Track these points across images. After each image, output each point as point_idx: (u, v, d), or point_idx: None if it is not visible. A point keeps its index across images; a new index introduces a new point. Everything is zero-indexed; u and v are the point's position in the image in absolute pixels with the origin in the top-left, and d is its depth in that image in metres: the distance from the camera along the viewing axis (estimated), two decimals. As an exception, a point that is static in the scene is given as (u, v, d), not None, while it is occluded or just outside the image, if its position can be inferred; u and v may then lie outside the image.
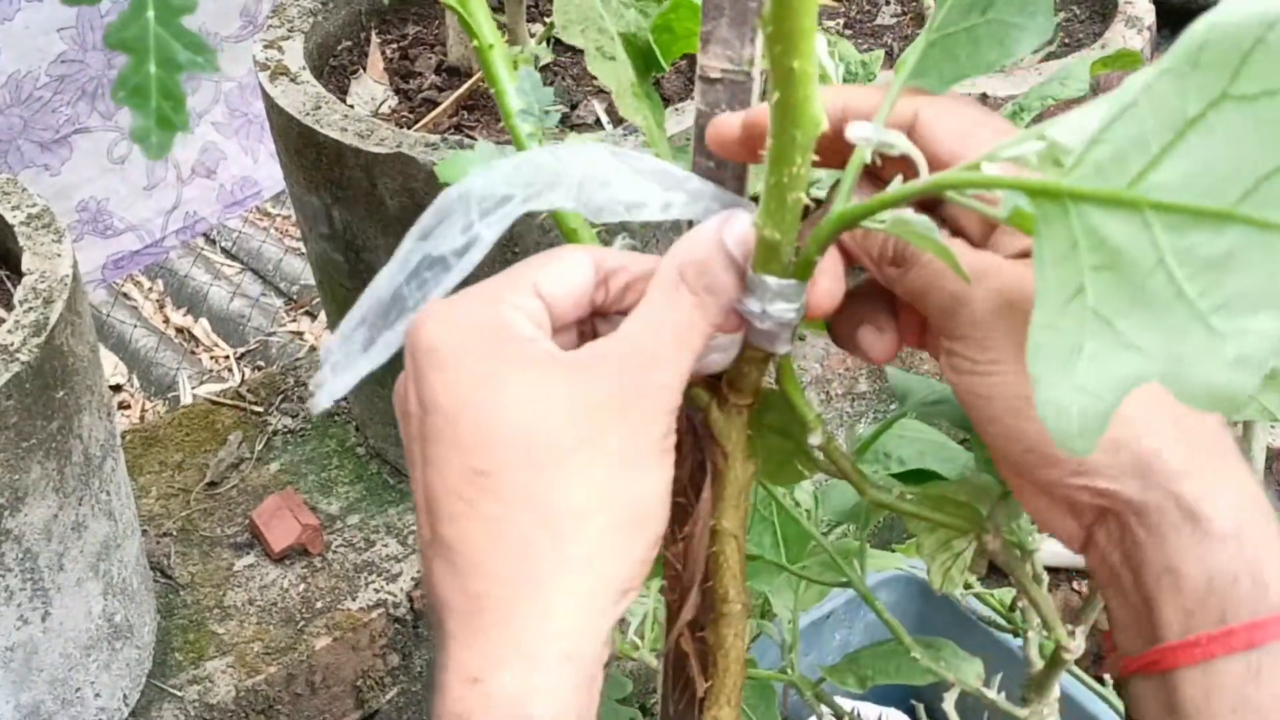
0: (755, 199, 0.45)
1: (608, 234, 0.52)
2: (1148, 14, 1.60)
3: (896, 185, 0.39)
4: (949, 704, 0.76)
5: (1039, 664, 0.67)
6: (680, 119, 1.22)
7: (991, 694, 0.71)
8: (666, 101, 1.31)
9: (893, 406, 1.76)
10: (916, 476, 0.62)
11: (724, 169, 0.45)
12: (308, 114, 1.21)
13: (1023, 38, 0.43)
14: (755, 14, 0.42)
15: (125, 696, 1.22)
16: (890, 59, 1.62)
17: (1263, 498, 0.40)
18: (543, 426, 0.39)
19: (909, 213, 0.39)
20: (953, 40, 0.45)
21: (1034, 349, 0.33)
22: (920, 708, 0.92)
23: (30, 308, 1.04)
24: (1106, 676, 0.93)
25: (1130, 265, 0.32)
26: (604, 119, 1.34)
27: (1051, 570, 0.79)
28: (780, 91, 0.38)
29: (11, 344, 1.00)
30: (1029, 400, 0.35)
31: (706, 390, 0.48)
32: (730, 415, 0.47)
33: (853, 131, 0.40)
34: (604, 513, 0.39)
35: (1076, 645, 0.57)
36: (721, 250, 0.43)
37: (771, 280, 0.43)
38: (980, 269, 0.41)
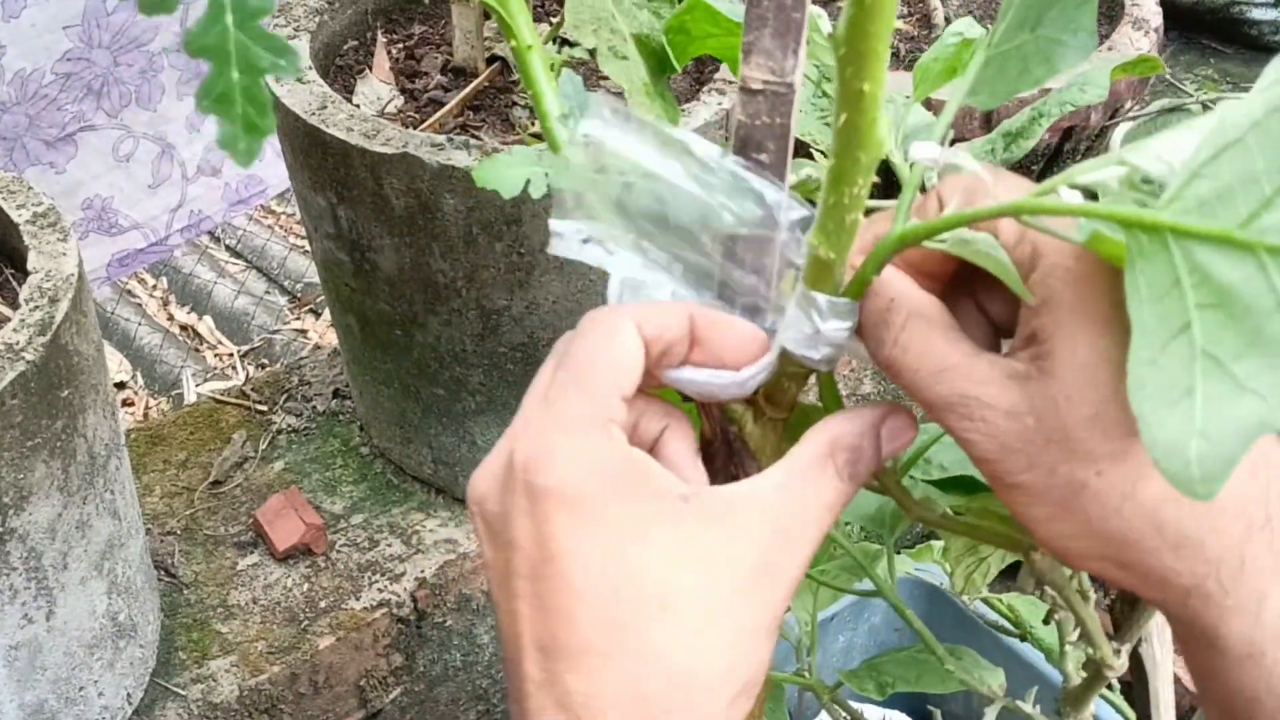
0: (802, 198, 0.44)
1: None
2: (1155, 15, 1.60)
3: (957, 207, 0.39)
4: (990, 719, 0.75)
5: (1076, 679, 0.66)
6: (687, 120, 1.22)
7: (1028, 708, 0.70)
8: (673, 102, 1.31)
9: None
10: (957, 483, 0.61)
11: (761, 179, 0.45)
12: (313, 114, 1.21)
13: (1067, 54, 0.43)
14: (799, 25, 0.42)
15: (129, 695, 1.22)
16: (897, 60, 1.62)
17: None
18: (684, 585, 0.39)
19: (970, 233, 0.38)
20: (1005, 57, 0.45)
21: (1136, 383, 0.32)
22: (938, 713, 0.92)
23: (36, 306, 1.03)
24: (1115, 681, 0.93)
25: (1245, 307, 0.31)
26: (610, 119, 1.33)
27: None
28: (847, 114, 0.38)
29: (17, 343, 1.00)
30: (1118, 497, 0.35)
31: (742, 403, 0.47)
32: (765, 428, 0.47)
33: (917, 152, 0.40)
34: (729, 681, 0.40)
35: (1120, 663, 0.56)
36: (876, 441, 0.43)
37: (823, 299, 0.43)
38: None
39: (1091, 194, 0.36)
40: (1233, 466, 0.32)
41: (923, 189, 0.42)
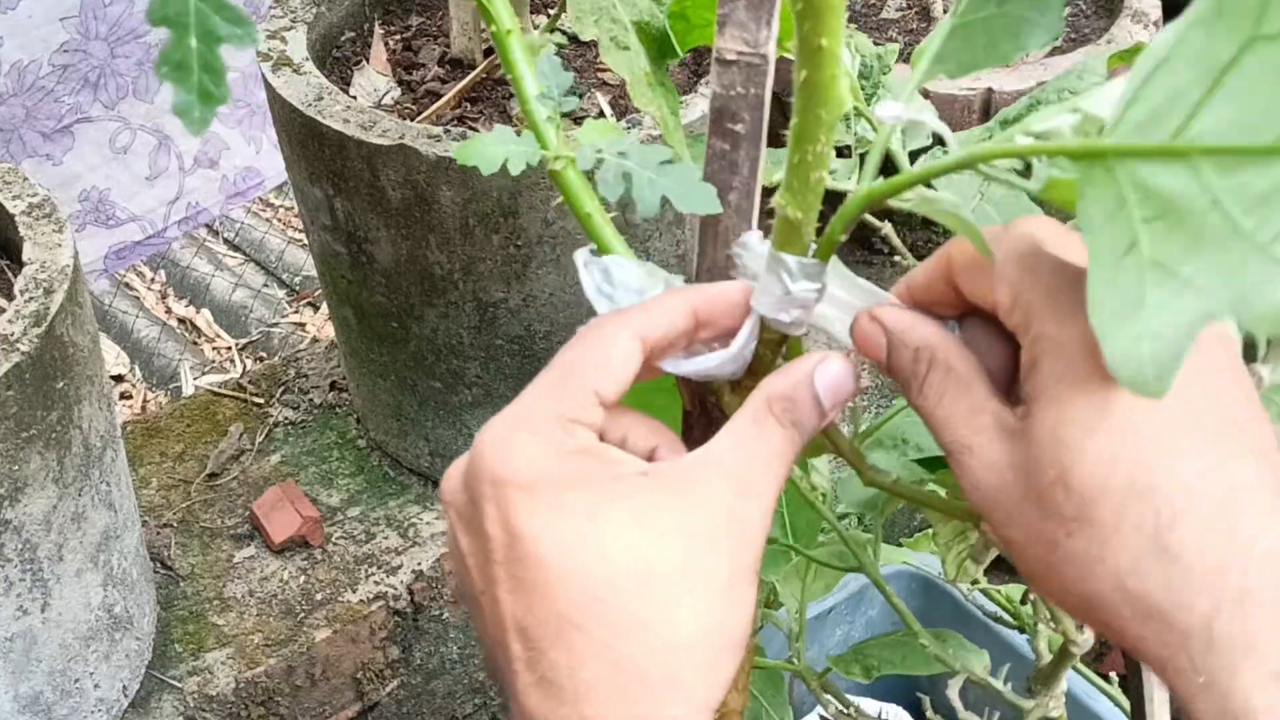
0: (771, 189, 0.44)
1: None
2: (1153, 8, 1.60)
3: (925, 161, 0.39)
4: (953, 691, 0.76)
5: (1047, 657, 0.67)
6: (685, 113, 1.22)
7: (998, 684, 0.70)
8: (671, 94, 1.31)
9: (895, 401, 1.76)
10: (934, 463, 0.61)
11: (738, 151, 0.45)
12: (310, 105, 1.21)
13: (1034, 32, 0.44)
14: None
15: (125, 687, 1.22)
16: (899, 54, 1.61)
17: None
18: (653, 555, 0.40)
19: (934, 192, 0.38)
20: (970, 28, 0.45)
21: (1095, 304, 0.34)
22: (926, 700, 0.92)
23: (31, 298, 1.03)
24: (1112, 674, 0.93)
25: (1183, 212, 0.33)
26: (608, 111, 1.33)
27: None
28: (807, 70, 0.38)
29: (12, 334, 1.00)
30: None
31: (731, 381, 0.48)
32: (743, 397, 0.47)
33: (882, 110, 0.40)
34: (707, 641, 0.40)
35: (1085, 640, 0.57)
36: (810, 389, 0.44)
37: (792, 259, 0.43)
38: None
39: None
40: (1179, 360, 0.33)
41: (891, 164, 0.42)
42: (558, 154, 0.49)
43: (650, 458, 0.45)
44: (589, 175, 0.50)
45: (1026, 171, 0.39)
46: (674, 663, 0.40)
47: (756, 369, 0.47)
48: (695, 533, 0.40)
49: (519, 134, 0.51)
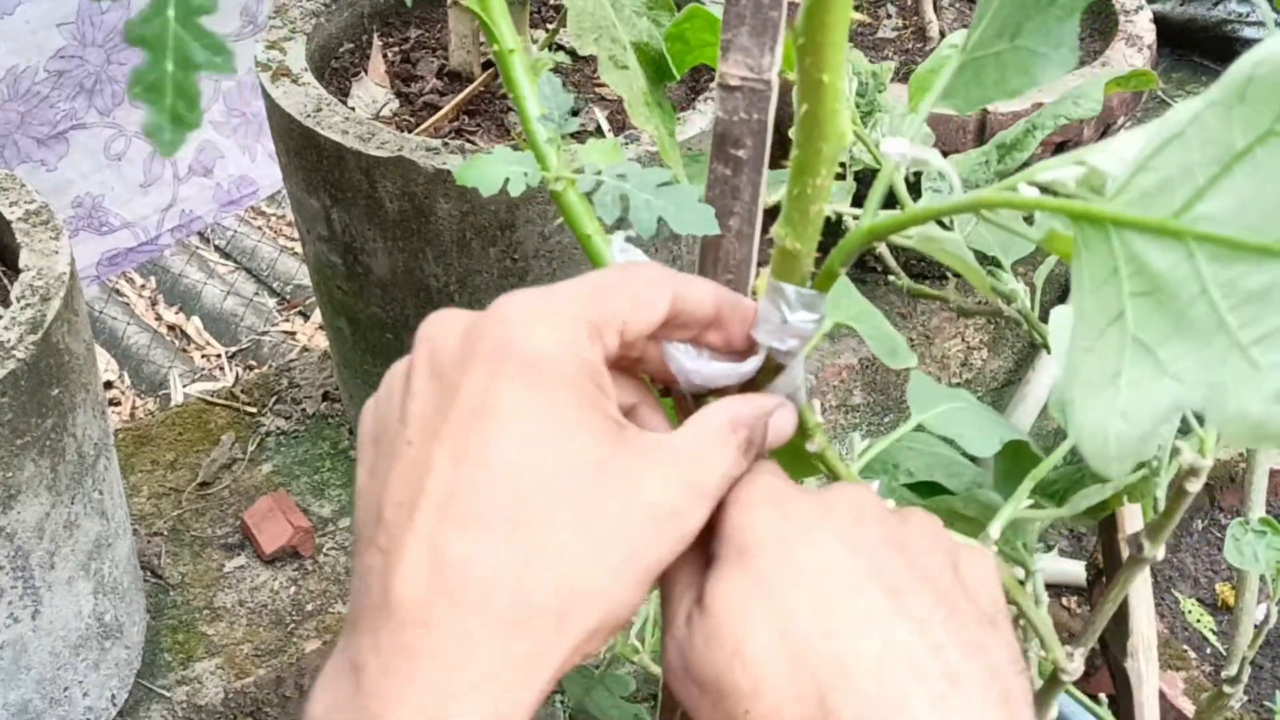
0: (774, 210, 0.45)
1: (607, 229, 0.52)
2: (1148, 32, 1.61)
3: (929, 200, 0.39)
4: None
5: (1037, 683, 0.67)
6: (682, 130, 1.22)
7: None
8: (668, 110, 1.31)
9: (887, 419, 1.76)
10: (925, 489, 0.62)
11: (740, 176, 0.45)
12: (309, 116, 1.21)
13: (1047, 67, 0.44)
14: (775, 24, 0.42)
15: (113, 696, 1.22)
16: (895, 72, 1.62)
17: None
18: (600, 503, 0.39)
19: (937, 229, 0.39)
20: (981, 64, 0.45)
21: (1070, 372, 0.34)
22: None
23: (27, 304, 1.03)
24: (1101, 695, 0.93)
25: (1172, 293, 0.32)
26: (605, 127, 1.34)
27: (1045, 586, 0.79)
28: (808, 104, 0.38)
29: (7, 341, 1.00)
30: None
31: (717, 396, 0.48)
32: None
33: (888, 147, 0.41)
34: (602, 607, 0.39)
35: (1075, 668, 0.57)
36: (764, 429, 0.44)
37: (791, 289, 0.43)
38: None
39: (1052, 193, 0.37)
40: (1145, 446, 0.33)
41: (892, 196, 0.42)
42: (558, 175, 0.49)
43: (630, 413, 0.45)
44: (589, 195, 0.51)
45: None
46: (569, 608, 0.38)
47: (750, 389, 0.47)
48: (643, 509, 0.40)
49: (517, 149, 0.52)
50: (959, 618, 0.40)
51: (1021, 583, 0.56)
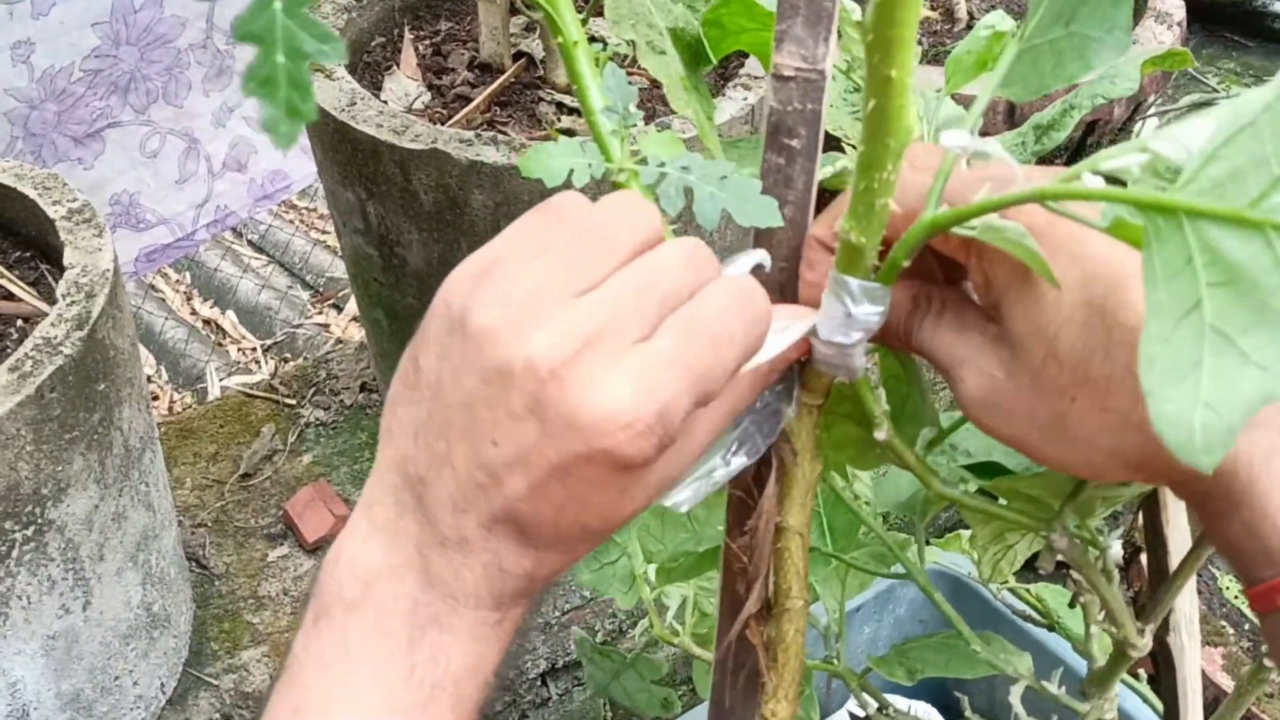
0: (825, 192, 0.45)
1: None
2: (1178, 9, 1.60)
3: (987, 191, 0.40)
4: (1015, 698, 0.76)
5: (1099, 659, 0.67)
6: (715, 115, 1.23)
7: (1053, 688, 0.71)
8: (698, 97, 1.32)
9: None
10: (984, 469, 0.62)
11: (793, 165, 0.46)
12: (343, 110, 1.22)
13: (1102, 51, 0.44)
14: (830, 14, 0.43)
15: (163, 685, 1.24)
16: (920, 53, 1.62)
17: None
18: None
19: (1000, 219, 0.39)
20: (1038, 52, 0.45)
21: (1147, 362, 0.33)
22: (965, 700, 0.92)
23: (73, 301, 1.05)
24: (1141, 672, 0.93)
25: (1252, 283, 0.32)
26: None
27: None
28: (876, 99, 0.39)
29: (55, 337, 1.01)
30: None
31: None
32: (801, 414, 0.48)
33: (948, 140, 0.41)
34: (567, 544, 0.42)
35: (1144, 643, 0.57)
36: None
37: (855, 282, 0.43)
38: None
39: (1114, 181, 0.37)
40: (1234, 436, 0.33)
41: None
42: (622, 167, 0.49)
43: None
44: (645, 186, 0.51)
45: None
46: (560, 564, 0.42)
47: (816, 387, 0.48)
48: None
49: (547, 139, 0.52)
50: None
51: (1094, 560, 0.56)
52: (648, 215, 0.43)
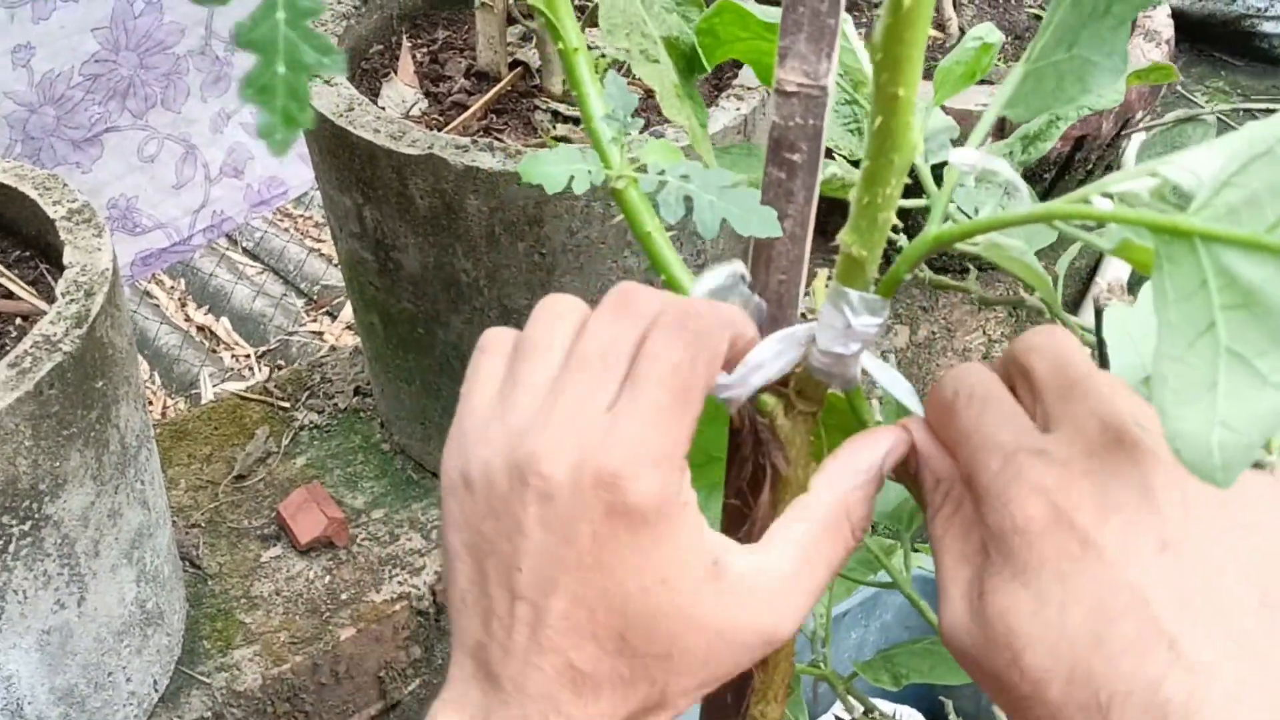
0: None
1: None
2: (1166, 27, 1.62)
3: (994, 208, 0.41)
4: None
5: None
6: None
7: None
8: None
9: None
10: None
11: (794, 180, 0.46)
12: (341, 115, 1.24)
13: (1101, 75, 0.44)
14: (832, 31, 0.43)
15: (155, 682, 1.25)
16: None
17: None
18: (693, 645, 0.42)
19: (1002, 237, 0.40)
20: (1041, 73, 0.46)
21: (1159, 379, 0.34)
22: (949, 704, 0.94)
23: (72, 299, 1.06)
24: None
25: (1268, 306, 0.33)
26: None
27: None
28: (882, 116, 0.40)
29: (54, 335, 1.03)
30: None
31: (774, 396, 0.49)
32: (797, 421, 0.48)
33: (956, 158, 0.42)
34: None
35: None
36: (881, 478, 0.46)
37: (854, 294, 0.44)
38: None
39: (1126, 204, 0.38)
40: (1253, 454, 0.33)
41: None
42: (621, 174, 0.50)
43: None
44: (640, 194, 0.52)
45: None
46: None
47: (811, 395, 0.48)
48: (737, 647, 0.43)
49: (543, 146, 0.53)
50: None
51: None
52: (567, 302, 0.46)
